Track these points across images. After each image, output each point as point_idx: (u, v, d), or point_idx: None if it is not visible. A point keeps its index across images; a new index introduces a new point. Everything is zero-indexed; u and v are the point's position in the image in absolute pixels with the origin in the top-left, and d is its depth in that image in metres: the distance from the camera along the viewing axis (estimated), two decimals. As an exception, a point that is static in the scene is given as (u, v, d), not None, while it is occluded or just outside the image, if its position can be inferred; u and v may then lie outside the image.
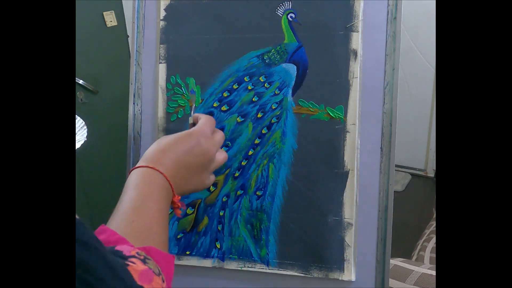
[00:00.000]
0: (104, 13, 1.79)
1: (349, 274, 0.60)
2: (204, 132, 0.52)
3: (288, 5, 0.61)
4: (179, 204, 0.50)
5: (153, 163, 0.48)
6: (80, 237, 0.29)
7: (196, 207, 0.65)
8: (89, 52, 1.75)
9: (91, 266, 0.29)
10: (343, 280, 0.60)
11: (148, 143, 0.67)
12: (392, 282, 0.89)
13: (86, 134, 0.69)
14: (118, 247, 0.38)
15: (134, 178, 0.48)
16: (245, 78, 0.63)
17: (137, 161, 0.68)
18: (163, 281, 0.38)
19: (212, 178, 0.55)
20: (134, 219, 0.44)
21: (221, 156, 0.55)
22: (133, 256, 0.37)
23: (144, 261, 0.37)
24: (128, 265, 0.35)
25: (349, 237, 0.60)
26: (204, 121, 0.54)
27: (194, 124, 0.57)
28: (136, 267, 0.35)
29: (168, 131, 0.66)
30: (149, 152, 0.50)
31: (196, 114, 0.58)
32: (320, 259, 0.61)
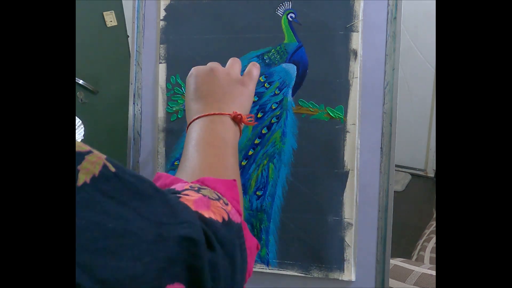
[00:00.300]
0: (104, 13, 1.79)
1: (349, 274, 0.60)
2: (215, 66, 0.53)
3: (288, 5, 0.61)
4: (239, 118, 0.49)
5: (196, 112, 0.49)
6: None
7: None
8: (89, 52, 1.75)
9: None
10: (343, 280, 0.60)
11: (148, 143, 0.67)
12: (392, 282, 0.89)
13: (83, 133, 0.69)
14: (172, 187, 0.38)
15: (197, 128, 0.48)
16: (245, 78, 0.63)
17: (137, 161, 0.68)
18: (227, 204, 0.38)
19: (246, 79, 0.53)
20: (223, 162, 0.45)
21: (249, 65, 0.55)
22: (186, 189, 0.37)
23: (198, 191, 0.37)
24: (180, 197, 0.35)
25: (349, 237, 0.60)
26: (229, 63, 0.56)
27: None
28: (189, 198, 0.35)
29: (168, 131, 0.66)
30: (190, 108, 0.51)
31: None
32: (320, 259, 0.61)
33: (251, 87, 0.53)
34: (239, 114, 0.49)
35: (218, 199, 0.37)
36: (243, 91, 0.52)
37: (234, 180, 0.42)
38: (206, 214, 0.34)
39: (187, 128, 0.49)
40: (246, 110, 0.52)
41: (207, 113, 0.48)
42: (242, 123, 0.50)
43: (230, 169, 0.45)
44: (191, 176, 0.43)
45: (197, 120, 0.49)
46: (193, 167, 0.44)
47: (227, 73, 0.52)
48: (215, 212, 0.35)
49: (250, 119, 0.50)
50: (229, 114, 0.49)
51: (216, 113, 0.48)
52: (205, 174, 0.42)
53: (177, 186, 0.38)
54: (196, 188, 0.38)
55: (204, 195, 0.36)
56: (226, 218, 0.35)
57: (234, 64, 0.54)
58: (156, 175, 0.42)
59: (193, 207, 0.34)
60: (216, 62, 0.53)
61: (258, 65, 0.55)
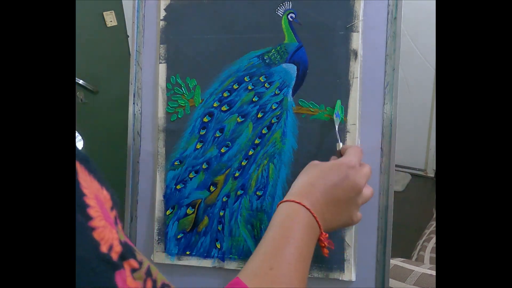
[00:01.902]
0: (104, 13, 1.79)
1: (349, 274, 0.60)
2: (352, 164, 0.50)
3: (288, 5, 0.61)
4: (326, 243, 0.47)
5: (300, 197, 0.47)
6: None
7: (196, 207, 0.65)
8: (89, 52, 1.75)
9: None
10: (343, 280, 0.60)
11: (148, 143, 0.67)
12: (392, 282, 0.89)
13: (82, 146, 0.68)
14: None
15: (280, 213, 0.47)
16: (245, 78, 0.63)
17: (137, 162, 0.68)
18: None
19: (359, 215, 0.52)
20: (273, 265, 0.42)
21: (368, 191, 0.52)
22: None
23: None
24: None
25: (349, 237, 0.60)
26: (353, 151, 0.52)
27: (340, 153, 0.55)
28: None
29: (168, 131, 0.66)
30: (298, 184, 0.49)
31: (344, 146, 0.56)
32: (320, 259, 0.61)
33: (358, 217, 0.51)
34: (328, 241, 0.47)
35: None
36: (345, 225, 0.51)
37: None
38: None
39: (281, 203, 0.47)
40: (338, 228, 0.51)
41: (314, 215, 0.46)
42: (320, 244, 0.48)
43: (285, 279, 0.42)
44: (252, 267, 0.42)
45: (295, 205, 0.46)
46: (257, 258, 0.43)
47: (358, 206, 0.50)
48: None
49: (328, 247, 0.48)
50: (321, 232, 0.47)
51: (320, 226, 0.46)
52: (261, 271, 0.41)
53: None
54: None
55: None
56: None
57: (369, 173, 0.52)
58: (234, 281, 0.41)
59: None
60: (365, 180, 0.51)
61: (371, 189, 0.53)
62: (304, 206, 0.46)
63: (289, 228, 0.45)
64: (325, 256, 0.60)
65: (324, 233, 0.47)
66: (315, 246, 0.47)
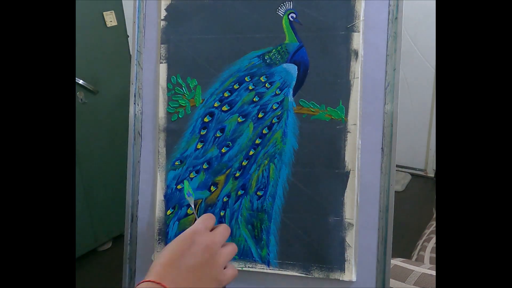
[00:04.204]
0: (104, 13, 1.79)
1: (350, 274, 0.60)
2: (198, 230, 0.50)
3: (289, 5, 0.61)
4: None
5: (147, 276, 0.47)
6: None
7: (196, 207, 0.65)
8: (89, 52, 1.75)
9: None
10: (344, 281, 0.60)
11: (149, 143, 0.67)
12: (392, 282, 0.89)
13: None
14: None
15: None
16: (246, 78, 0.63)
17: (138, 162, 0.68)
18: None
19: (228, 273, 0.51)
20: None
21: (229, 248, 0.52)
22: None
23: None
24: None
25: (350, 238, 0.60)
26: (199, 220, 0.53)
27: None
28: None
29: (168, 131, 0.66)
30: (152, 266, 0.48)
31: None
32: (321, 260, 0.61)
33: (227, 274, 0.50)
34: None
35: None
36: (217, 284, 0.49)
37: None
38: None
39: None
40: None
41: (166, 286, 0.45)
42: None
43: None
44: None
45: (149, 284, 0.45)
46: None
47: (218, 265, 0.49)
48: None
49: None
50: None
51: None
52: None
53: None
54: None
55: None
56: None
57: (223, 231, 0.52)
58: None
59: None
60: (217, 238, 0.50)
61: (236, 270, 0.52)
62: (151, 281, 0.46)
63: None
64: (326, 257, 0.61)
65: None
66: None
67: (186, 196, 0.60)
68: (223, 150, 0.64)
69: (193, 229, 0.51)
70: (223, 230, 0.52)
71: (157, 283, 0.46)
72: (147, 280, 0.46)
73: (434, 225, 1.42)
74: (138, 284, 0.47)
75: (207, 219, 0.53)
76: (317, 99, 0.61)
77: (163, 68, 0.66)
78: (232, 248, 0.52)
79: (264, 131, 0.63)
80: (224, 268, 0.51)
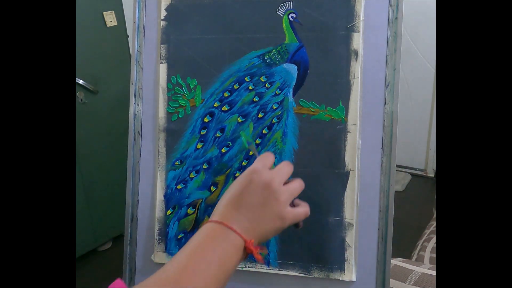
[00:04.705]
0: (104, 13, 1.79)
1: (350, 274, 0.60)
2: (255, 168, 0.50)
3: (289, 5, 0.61)
4: (252, 249, 0.46)
5: (211, 217, 0.47)
6: None
7: (197, 207, 0.65)
8: (89, 52, 1.75)
9: None
10: (344, 281, 0.60)
11: (149, 143, 0.67)
12: (392, 282, 0.89)
13: None
14: None
15: (196, 233, 0.46)
16: (246, 78, 0.63)
17: (138, 162, 0.68)
18: None
19: (294, 210, 0.49)
20: (181, 279, 0.41)
21: (295, 184, 0.51)
22: None
23: None
24: None
25: (350, 238, 0.60)
26: (257, 159, 0.52)
27: None
28: None
29: (168, 131, 0.66)
30: (215, 207, 0.49)
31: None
32: (321, 260, 0.61)
33: (286, 226, 0.49)
34: (254, 247, 0.46)
35: None
36: (278, 228, 0.48)
37: None
38: None
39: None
40: (263, 241, 0.49)
41: (228, 225, 0.45)
42: (250, 252, 0.46)
43: None
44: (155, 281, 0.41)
45: (211, 224, 0.46)
46: (162, 275, 0.42)
47: (280, 202, 0.48)
48: None
49: (260, 252, 0.46)
50: (245, 241, 0.45)
51: (237, 231, 0.45)
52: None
53: None
54: None
55: None
56: None
57: (284, 168, 0.50)
58: (115, 283, 0.40)
59: None
60: (276, 175, 0.49)
61: (307, 208, 0.51)
62: (213, 221, 0.46)
63: (201, 244, 0.45)
64: (326, 257, 0.61)
65: (249, 240, 0.46)
66: (239, 256, 0.46)
67: (247, 145, 0.59)
68: (223, 150, 0.64)
69: (251, 168, 0.50)
70: (284, 166, 0.51)
71: (220, 222, 0.46)
72: (210, 220, 0.47)
73: (434, 225, 1.42)
74: (203, 224, 0.47)
75: (265, 157, 0.52)
76: (317, 99, 0.61)
77: (163, 68, 0.66)
78: (297, 185, 0.51)
79: (264, 131, 0.63)
80: (294, 206, 0.50)
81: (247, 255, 0.47)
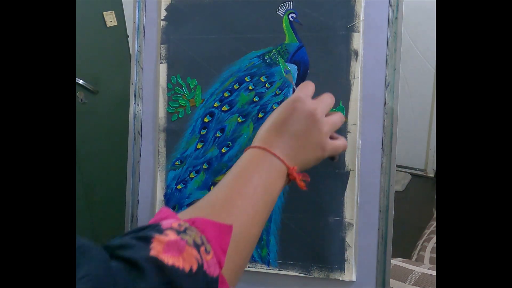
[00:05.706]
0: (104, 13, 1.79)
1: (350, 274, 0.60)
2: (298, 97, 0.49)
3: (289, 5, 0.61)
4: (295, 175, 0.46)
5: (254, 143, 0.47)
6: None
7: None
8: (89, 52, 1.75)
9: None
10: (344, 281, 0.60)
11: (149, 143, 0.67)
12: (392, 282, 0.89)
13: None
14: (161, 221, 0.36)
15: (239, 159, 0.46)
16: (246, 78, 0.63)
17: (138, 162, 0.69)
18: (208, 252, 0.35)
19: (335, 142, 0.50)
20: (232, 196, 0.41)
21: (335, 116, 0.51)
22: (169, 229, 0.35)
23: (180, 232, 0.35)
24: (152, 240, 0.33)
25: (350, 238, 0.60)
26: (300, 87, 0.52)
27: None
28: (163, 239, 0.33)
29: (169, 131, 0.66)
30: (257, 133, 0.49)
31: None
32: (321, 260, 0.61)
33: (325, 156, 0.50)
34: (297, 174, 0.46)
35: (200, 245, 0.35)
36: (318, 158, 0.49)
37: (231, 226, 0.39)
38: (171, 260, 0.32)
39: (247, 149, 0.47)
40: (305, 169, 0.49)
41: (271, 151, 0.45)
42: (292, 180, 0.47)
43: (243, 216, 0.41)
44: (201, 208, 0.41)
45: (254, 149, 0.46)
46: (210, 198, 0.42)
47: (322, 132, 0.48)
48: (185, 259, 0.33)
49: (303, 180, 0.47)
50: (288, 167, 0.45)
51: (280, 157, 0.45)
52: (214, 210, 0.40)
53: (164, 223, 0.36)
54: (183, 229, 0.35)
55: (183, 239, 0.34)
56: (195, 268, 0.33)
57: (326, 99, 0.51)
58: (159, 210, 0.40)
59: (161, 251, 0.32)
60: (319, 106, 0.49)
61: (346, 142, 0.52)
62: (256, 147, 0.46)
63: (245, 168, 0.45)
64: (326, 257, 0.60)
65: (291, 167, 0.46)
66: (283, 182, 0.46)
67: (284, 74, 0.59)
68: (223, 150, 0.64)
69: (293, 97, 0.50)
70: (326, 97, 0.51)
71: (263, 148, 0.46)
72: (253, 146, 0.46)
73: (434, 225, 1.42)
74: (245, 150, 0.47)
75: (306, 86, 0.52)
76: (317, 99, 0.61)
77: (163, 68, 0.66)
78: (337, 117, 0.51)
79: (264, 131, 0.63)
80: (333, 139, 0.50)
81: (290, 182, 0.47)
